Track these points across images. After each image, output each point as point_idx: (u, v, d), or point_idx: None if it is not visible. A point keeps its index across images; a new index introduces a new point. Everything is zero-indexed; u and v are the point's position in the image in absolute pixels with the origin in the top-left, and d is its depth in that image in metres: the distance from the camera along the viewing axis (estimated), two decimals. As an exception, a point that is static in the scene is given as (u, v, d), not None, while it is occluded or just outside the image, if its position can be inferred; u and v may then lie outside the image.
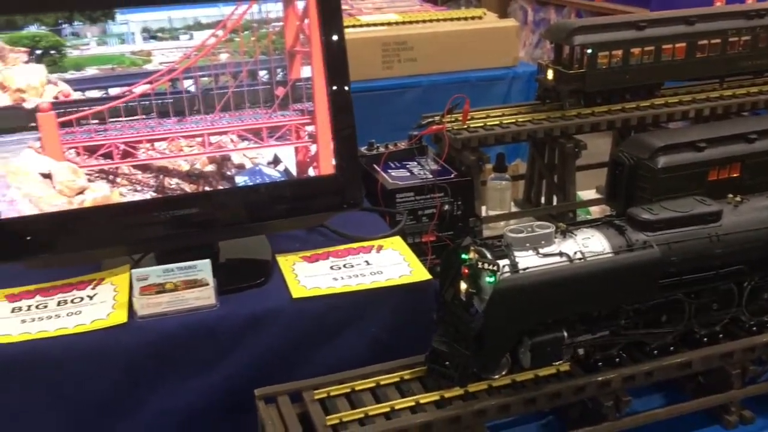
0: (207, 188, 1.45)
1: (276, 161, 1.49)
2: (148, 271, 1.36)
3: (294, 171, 1.51)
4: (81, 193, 1.38)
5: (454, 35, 2.78)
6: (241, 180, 1.48)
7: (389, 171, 1.96)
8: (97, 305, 1.39)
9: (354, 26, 2.77)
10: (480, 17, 2.94)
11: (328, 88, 1.49)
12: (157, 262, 1.47)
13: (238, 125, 1.46)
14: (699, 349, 1.40)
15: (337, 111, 1.50)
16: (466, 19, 2.92)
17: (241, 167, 1.48)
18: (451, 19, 2.90)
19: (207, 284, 1.38)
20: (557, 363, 1.33)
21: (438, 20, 2.89)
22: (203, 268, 1.37)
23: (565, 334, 1.27)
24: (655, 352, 1.38)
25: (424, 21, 2.86)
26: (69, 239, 1.41)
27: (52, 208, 1.37)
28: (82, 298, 1.41)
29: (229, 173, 1.47)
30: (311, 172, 1.52)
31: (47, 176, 1.37)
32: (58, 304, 1.40)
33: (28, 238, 1.37)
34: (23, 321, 1.35)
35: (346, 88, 1.50)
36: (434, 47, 2.74)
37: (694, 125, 2.23)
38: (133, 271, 1.37)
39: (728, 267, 1.38)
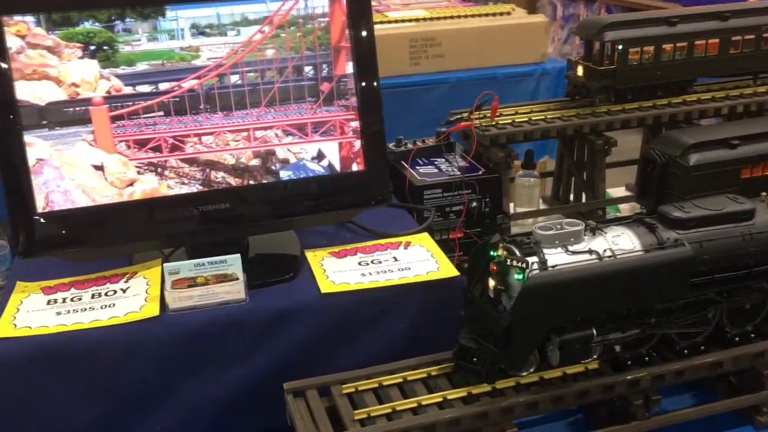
0: (251, 182, 1.48)
1: (320, 156, 1.51)
2: (180, 266, 1.38)
3: (338, 166, 1.52)
4: (131, 185, 1.41)
5: (482, 31, 2.77)
6: (285, 174, 1.50)
7: (417, 167, 1.96)
8: (130, 298, 1.41)
9: (382, 22, 2.77)
10: (508, 13, 2.92)
11: (357, 85, 1.50)
12: (187, 256, 1.49)
13: (283, 120, 1.47)
14: (730, 348, 1.39)
15: (366, 107, 1.51)
16: (494, 14, 2.90)
17: (285, 162, 1.50)
18: (480, 15, 2.88)
19: (237, 279, 1.39)
20: (586, 361, 1.33)
21: (466, 16, 2.87)
22: (233, 263, 1.39)
23: (594, 332, 1.27)
24: (686, 351, 1.37)
25: (452, 17, 2.85)
26: (106, 232, 1.44)
27: (104, 199, 1.41)
28: (115, 291, 1.44)
29: (273, 168, 1.49)
30: (354, 167, 1.53)
31: (99, 168, 1.40)
32: (93, 296, 1.43)
33: (64, 231, 1.40)
34: (58, 313, 1.38)
35: (375, 84, 1.51)
36: (462, 43, 2.73)
37: (727, 122, 2.19)
38: (165, 265, 1.39)
39: (761, 266, 1.36)
